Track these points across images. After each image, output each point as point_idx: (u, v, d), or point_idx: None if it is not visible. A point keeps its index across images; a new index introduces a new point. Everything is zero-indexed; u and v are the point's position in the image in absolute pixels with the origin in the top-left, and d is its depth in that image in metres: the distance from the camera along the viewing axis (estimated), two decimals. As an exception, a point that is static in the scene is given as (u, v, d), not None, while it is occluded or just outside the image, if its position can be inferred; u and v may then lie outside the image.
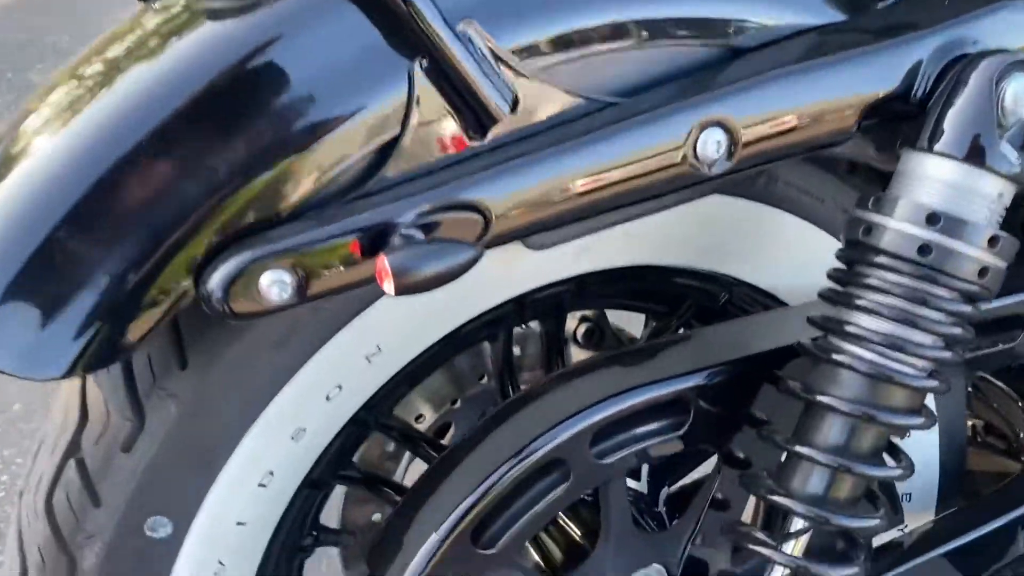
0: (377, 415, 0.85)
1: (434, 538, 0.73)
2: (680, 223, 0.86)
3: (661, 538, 0.90)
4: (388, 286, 0.59)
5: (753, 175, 0.83)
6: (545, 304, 0.90)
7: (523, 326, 1.07)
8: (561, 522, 0.97)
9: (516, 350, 1.19)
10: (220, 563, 0.77)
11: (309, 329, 0.74)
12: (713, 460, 0.90)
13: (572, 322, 1.15)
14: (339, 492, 1.13)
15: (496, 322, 0.88)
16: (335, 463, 0.86)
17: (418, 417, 1.12)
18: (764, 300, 0.96)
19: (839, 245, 0.79)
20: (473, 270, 0.78)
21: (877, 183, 0.86)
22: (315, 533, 0.91)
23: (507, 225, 0.66)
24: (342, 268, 0.63)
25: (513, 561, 0.77)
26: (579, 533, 0.96)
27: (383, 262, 0.59)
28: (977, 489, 1.20)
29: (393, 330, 0.78)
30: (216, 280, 0.61)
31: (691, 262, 0.90)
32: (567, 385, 0.80)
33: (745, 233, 0.90)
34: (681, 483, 1.04)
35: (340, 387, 0.78)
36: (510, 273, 0.81)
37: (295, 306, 0.63)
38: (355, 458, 0.96)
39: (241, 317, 0.62)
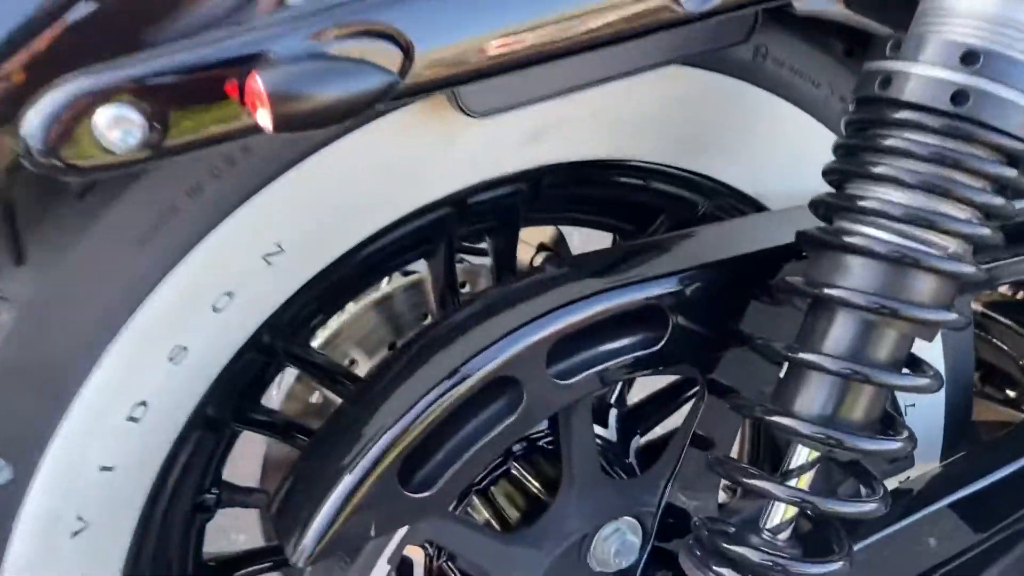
0: (286, 341, 0.70)
1: (349, 479, 0.57)
2: (656, 106, 0.71)
3: (633, 486, 0.75)
4: (263, 116, 0.44)
5: (740, 41, 0.69)
6: (493, 209, 0.75)
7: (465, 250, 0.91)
8: (516, 473, 0.82)
9: (465, 287, 1.04)
10: (80, 519, 0.61)
11: (185, 216, 0.58)
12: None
13: (528, 251, 1.00)
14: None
15: (434, 228, 0.72)
16: (236, 400, 0.70)
17: (351, 363, 0.96)
18: (749, 210, 0.82)
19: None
20: (403, 152, 0.64)
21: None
22: (217, 491, 0.75)
23: (433, 63, 0.51)
24: (208, 108, 0.47)
25: (452, 507, 0.62)
26: (537, 486, 0.81)
27: (255, 81, 0.43)
28: (978, 441, 1.08)
29: (298, 224, 0.62)
30: (36, 120, 0.45)
31: (668, 158, 0.76)
32: (518, 294, 0.64)
33: (730, 122, 0.76)
34: (653, 433, 0.90)
35: (230, 294, 0.62)
36: (449, 157, 0.65)
37: (150, 160, 0.47)
38: (273, 402, 0.80)
39: (79, 172, 0.46)
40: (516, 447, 0.81)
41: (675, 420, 0.85)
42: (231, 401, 0.70)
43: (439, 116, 0.63)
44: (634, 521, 0.76)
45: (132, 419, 0.61)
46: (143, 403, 0.61)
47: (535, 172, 0.72)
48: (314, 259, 0.65)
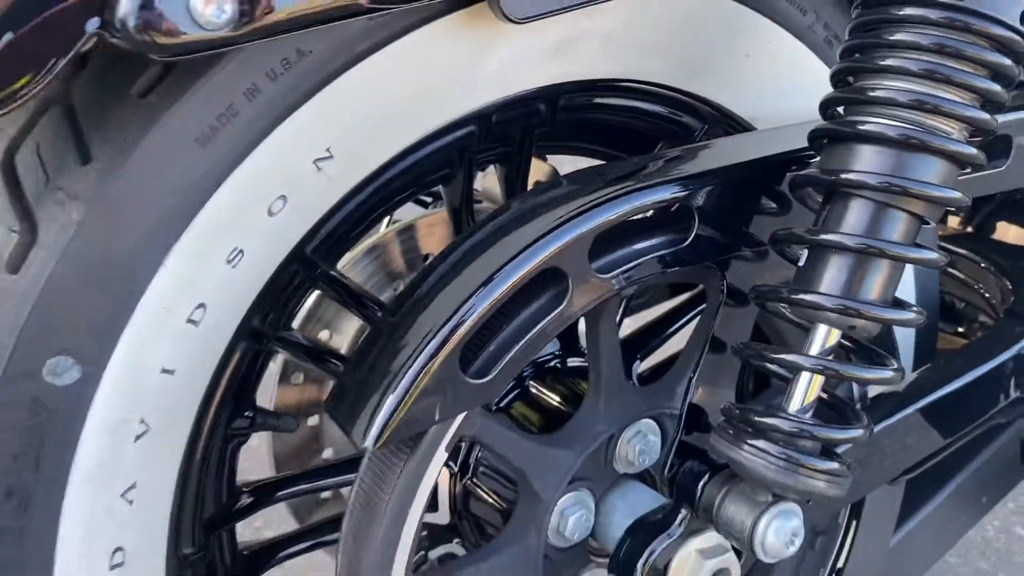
0: (323, 258, 0.71)
1: (416, 364, 0.60)
2: (664, 27, 0.76)
3: (651, 390, 0.80)
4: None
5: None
6: (510, 131, 0.78)
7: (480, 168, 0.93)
8: (535, 391, 0.86)
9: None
10: (143, 422, 0.62)
11: (244, 117, 0.60)
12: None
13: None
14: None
15: (459, 146, 0.75)
16: (276, 315, 0.72)
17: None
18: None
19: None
20: (442, 63, 0.67)
21: None
22: (251, 413, 0.76)
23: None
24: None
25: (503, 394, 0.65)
26: (557, 401, 0.85)
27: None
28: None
29: (346, 130, 0.64)
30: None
31: (673, 79, 0.81)
32: (556, 193, 0.68)
33: (729, 45, 0.81)
34: (653, 360, 0.95)
35: (284, 198, 0.64)
36: (481, 71, 0.69)
37: (240, 40, 0.50)
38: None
39: (170, 49, 0.48)
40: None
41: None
42: (272, 315, 0.71)
43: (476, 26, 0.66)
44: (653, 423, 0.80)
45: (191, 321, 0.62)
46: (202, 305, 0.62)
47: (553, 90, 0.75)
48: (358, 167, 0.67)
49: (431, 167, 0.76)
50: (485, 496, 0.83)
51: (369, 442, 0.60)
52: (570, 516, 0.77)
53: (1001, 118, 0.83)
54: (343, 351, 0.97)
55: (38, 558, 0.60)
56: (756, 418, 0.67)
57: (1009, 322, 1.00)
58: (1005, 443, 1.02)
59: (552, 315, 0.65)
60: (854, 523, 0.92)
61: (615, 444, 0.78)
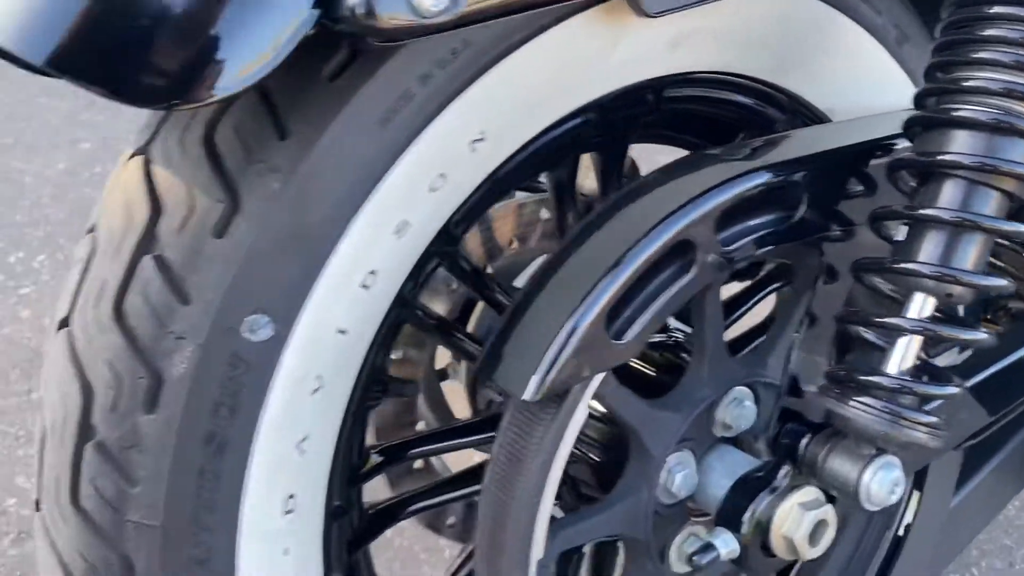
0: (464, 230, 0.78)
1: (570, 323, 0.66)
2: (764, 25, 0.83)
3: (745, 359, 0.87)
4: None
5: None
6: (617, 119, 0.85)
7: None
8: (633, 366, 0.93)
9: (543, 213, 1.14)
10: (319, 378, 0.68)
11: (417, 101, 0.66)
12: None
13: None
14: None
15: (578, 132, 0.82)
16: (419, 282, 0.78)
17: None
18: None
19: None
20: (579, 52, 0.73)
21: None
22: (385, 378, 0.82)
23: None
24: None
25: (638, 357, 0.72)
26: (655, 369, 0.91)
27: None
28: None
29: (498, 113, 0.71)
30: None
31: (767, 73, 0.88)
32: (678, 174, 0.75)
33: (814, 41, 0.88)
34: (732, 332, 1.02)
35: (443, 176, 0.70)
36: (610, 60, 0.75)
37: (454, 26, 0.56)
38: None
39: (386, 37, 0.54)
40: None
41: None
42: (415, 286, 0.77)
43: (610, 19, 0.73)
44: (747, 390, 0.87)
45: (364, 286, 0.68)
46: (373, 272, 0.68)
47: (664, 81, 0.82)
48: (500, 150, 0.74)
49: (550, 153, 0.82)
50: (587, 457, 0.89)
51: (529, 395, 0.66)
52: (677, 473, 0.83)
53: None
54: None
55: (229, 500, 0.66)
56: (861, 377, 0.74)
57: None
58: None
59: (681, 283, 0.72)
60: (917, 491, 1.00)
61: (715, 409, 0.85)
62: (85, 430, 0.64)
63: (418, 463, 1.08)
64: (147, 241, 0.63)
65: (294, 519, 0.70)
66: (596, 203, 0.94)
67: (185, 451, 0.63)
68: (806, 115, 0.94)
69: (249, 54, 0.54)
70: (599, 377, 0.71)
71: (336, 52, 0.63)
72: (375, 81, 0.64)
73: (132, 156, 0.68)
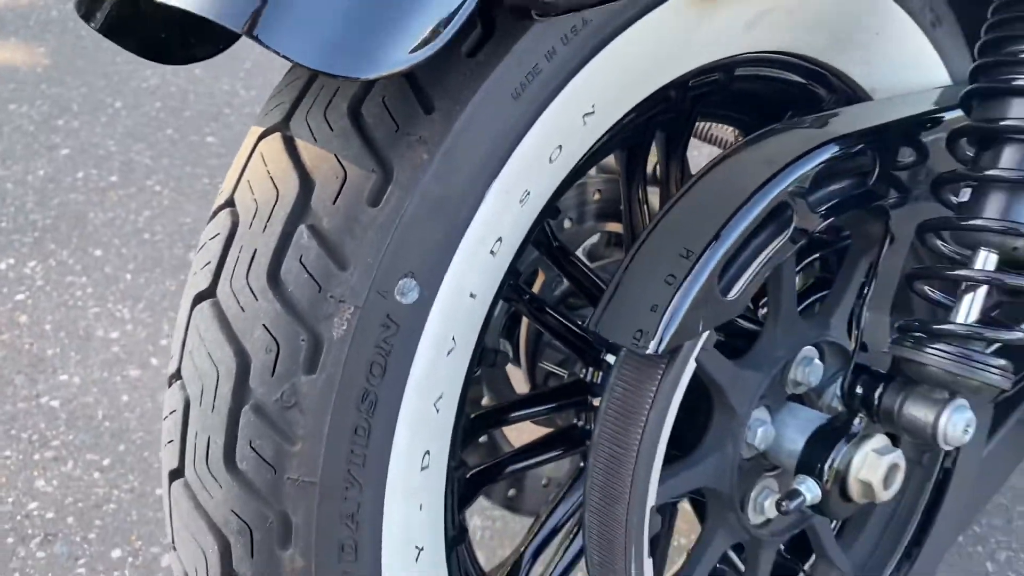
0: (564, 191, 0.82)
1: (692, 279, 0.71)
2: (826, 6, 0.90)
3: (810, 321, 0.93)
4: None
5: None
6: (688, 95, 0.91)
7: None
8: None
9: (594, 194, 1.19)
10: (453, 340, 0.72)
11: (545, 75, 0.70)
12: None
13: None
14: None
15: (653, 109, 0.87)
16: (526, 253, 0.82)
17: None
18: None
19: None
20: (672, 32, 0.78)
21: None
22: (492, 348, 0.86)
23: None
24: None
25: (742, 313, 0.77)
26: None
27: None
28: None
29: (606, 88, 0.76)
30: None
31: (825, 54, 0.94)
32: (765, 143, 0.81)
33: (864, 22, 0.95)
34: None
35: (560, 147, 0.74)
36: (695, 38, 0.81)
37: (598, 5, 0.61)
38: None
39: (549, 8, 0.59)
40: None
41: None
42: (521, 256, 0.82)
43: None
44: (815, 349, 0.93)
45: (492, 252, 0.72)
46: (500, 239, 0.72)
47: (736, 60, 0.88)
48: (605, 122, 0.78)
49: (636, 129, 0.87)
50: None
51: (652, 349, 0.71)
52: (758, 428, 0.89)
53: None
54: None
55: (378, 456, 0.69)
56: (935, 327, 0.81)
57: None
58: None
59: (778, 243, 0.78)
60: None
61: (788, 368, 0.91)
62: (241, 394, 0.66)
63: (482, 437, 1.12)
64: (299, 211, 0.66)
65: (428, 475, 0.74)
66: (659, 179, 0.99)
67: (342, 410, 0.66)
68: (850, 94, 1.01)
69: (430, 25, 0.58)
70: (705, 335, 0.76)
71: (471, 29, 0.67)
72: (511, 57, 0.68)
73: (264, 135, 0.71)
